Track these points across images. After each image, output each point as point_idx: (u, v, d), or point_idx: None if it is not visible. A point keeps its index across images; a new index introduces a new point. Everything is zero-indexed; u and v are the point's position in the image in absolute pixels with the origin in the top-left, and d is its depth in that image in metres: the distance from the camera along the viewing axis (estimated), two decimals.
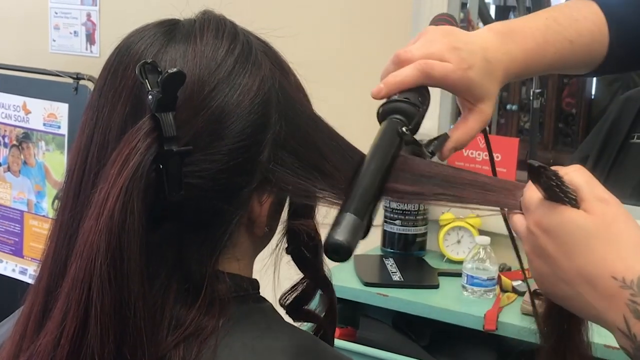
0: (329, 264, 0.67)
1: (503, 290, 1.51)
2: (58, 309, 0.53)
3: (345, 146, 0.62)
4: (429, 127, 1.68)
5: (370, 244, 1.75)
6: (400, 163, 0.61)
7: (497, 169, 0.77)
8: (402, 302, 1.47)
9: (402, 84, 0.66)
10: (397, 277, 1.56)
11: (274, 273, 0.65)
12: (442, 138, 0.68)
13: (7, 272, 2.37)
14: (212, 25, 0.59)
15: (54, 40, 2.35)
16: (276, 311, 0.62)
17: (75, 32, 2.31)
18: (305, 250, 0.64)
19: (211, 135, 0.55)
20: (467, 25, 1.93)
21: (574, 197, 0.53)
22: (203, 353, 0.55)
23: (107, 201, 0.51)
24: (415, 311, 1.46)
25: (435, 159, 0.66)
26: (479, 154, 1.70)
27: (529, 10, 2.62)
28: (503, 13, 2.88)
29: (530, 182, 0.56)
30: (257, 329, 0.58)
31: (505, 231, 0.60)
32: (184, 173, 0.54)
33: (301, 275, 0.67)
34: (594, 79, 2.63)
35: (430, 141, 0.68)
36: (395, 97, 0.66)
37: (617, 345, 0.52)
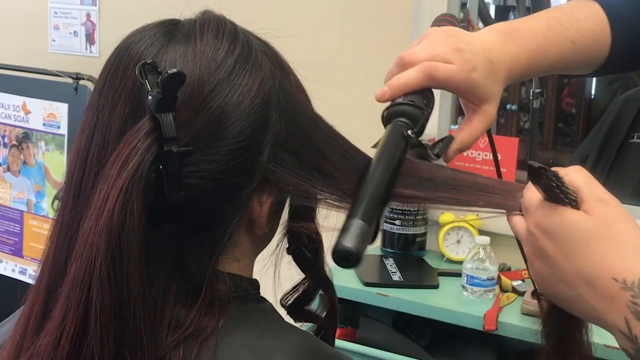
0: (329, 264, 0.67)
1: (503, 290, 1.51)
2: (58, 310, 0.53)
3: (346, 146, 0.62)
4: (429, 127, 1.68)
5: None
6: (406, 167, 0.61)
7: (495, 168, 0.77)
8: (402, 302, 1.47)
9: (406, 87, 0.66)
10: (397, 277, 1.56)
11: (275, 273, 0.65)
12: (447, 140, 0.68)
13: (7, 272, 2.37)
14: (212, 26, 0.59)
15: (54, 40, 2.35)
16: (276, 311, 0.62)
17: (75, 32, 2.31)
18: (306, 250, 0.64)
19: (211, 136, 0.55)
20: (467, 25, 1.93)
21: (574, 198, 0.53)
22: (203, 353, 0.55)
23: (107, 202, 0.51)
24: (415, 311, 1.46)
25: (439, 160, 0.66)
26: (478, 154, 1.70)
27: (528, 10, 2.62)
28: (503, 13, 2.88)
29: (530, 183, 0.56)
30: (257, 329, 0.58)
31: (505, 231, 0.60)
32: (184, 173, 0.54)
33: (302, 276, 0.67)
34: (594, 79, 2.63)
35: (435, 143, 0.67)
36: (400, 99, 0.66)
37: (618, 346, 0.52)
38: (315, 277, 0.67)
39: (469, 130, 0.69)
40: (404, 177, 0.60)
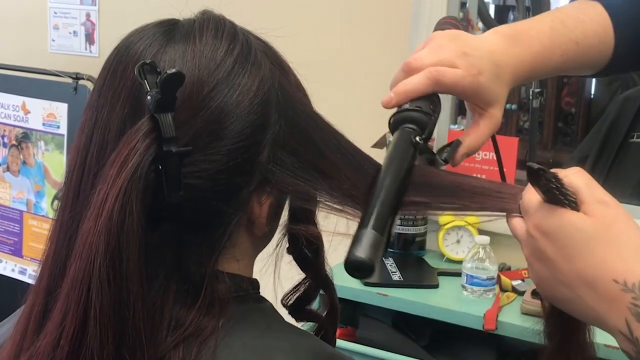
0: (330, 264, 0.67)
1: (502, 289, 1.51)
2: (57, 310, 0.53)
3: (347, 145, 0.62)
4: None
5: None
6: (415, 174, 0.61)
7: (496, 168, 0.77)
8: (401, 301, 1.47)
9: (412, 93, 0.66)
10: (396, 276, 1.56)
11: (274, 272, 0.65)
12: (455, 144, 0.68)
13: (7, 272, 2.37)
14: (212, 25, 0.59)
15: (53, 40, 2.35)
16: (276, 311, 0.62)
17: (74, 32, 2.31)
18: (307, 250, 0.64)
19: (210, 136, 0.55)
20: (466, 24, 1.93)
21: (573, 199, 0.53)
22: (203, 353, 0.54)
23: (106, 202, 0.51)
24: (415, 311, 1.46)
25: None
26: (478, 154, 1.70)
27: (528, 10, 2.62)
28: (502, 12, 2.88)
29: (529, 185, 0.56)
30: (257, 328, 0.58)
31: (505, 231, 0.60)
32: (183, 174, 0.54)
33: (302, 276, 0.67)
34: (593, 78, 2.63)
35: (443, 148, 0.67)
36: (406, 106, 0.66)
37: (618, 346, 0.52)
38: (316, 277, 0.67)
39: (477, 134, 0.69)
40: (413, 185, 0.60)
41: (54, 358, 0.53)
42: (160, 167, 0.53)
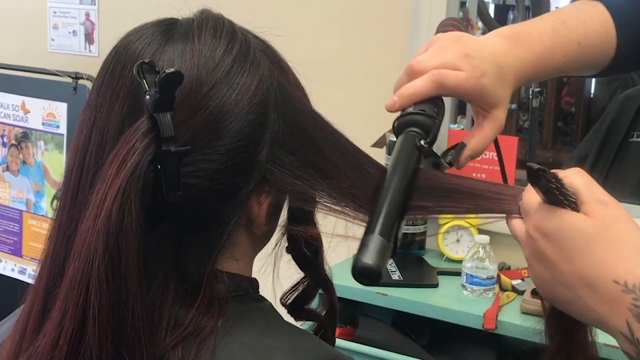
0: (329, 263, 0.67)
1: (502, 289, 1.51)
2: (56, 310, 0.53)
3: (346, 144, 0.62)
4: None
5: None
6: (420, 178, 0.61)
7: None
8: (401, 301, 1.47)
9: (416, 96, 0.66)
10: (396, 276, 1.56)
11: (273, 272, 0.65)
12: (459, 147, 0.68)
13: (6, 272, 2.37)
14: (210, 25, 0.59)
15: (53, 40, 2.35)
16: (276, 310, 0.62)
17: (74, 31, 2.31)
18: (306, 249, 0.64)
19: (209, 135, 0.55)
20: (466, 24, 1.92)
21: (573, 200, 0.53)
22: (202, 353, 0.54)
23: (105, 202, 0.51)
24: (415, 310, 1.46)
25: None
26: None
27: (527, 9, 2.63)
28: (502, 12, 2.88)
29: (529, 186, 0.56)
30: (257, 328, 0.58)
31: (504, 230, 0.60)
32: (182, 173, 0.54)
33: (301, 275, 0.67)
34: (593, 78, 2.63)
35: (447, 151, 0.67)
36: (410, 109, 0.66)
37: (617, 345, 0.52)
38: (315, 276, 0.67)
39: (481, 137, 0.69)
40: (418, 189, 0.60)
41: (52, 358, 0.53)
42: (159, 166, 0.53)
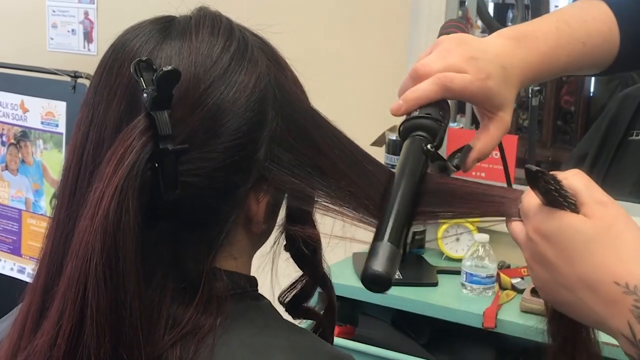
0: (327, 261, 0.67)
1: (502, 287, 1.51)
2: (54, 309, 0.53)
3: (345, 141, 0.62)
4: None
5: (370, 240, 1.74)
6: (428, 183, 0.61)
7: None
8: (401, 300, 1.47)
9: (421, 99, 0.66)
10: (396, 274, 1.55)
11: (272, 270, 0.64)
12: (465, 150, 0.67)
13: (6, 271, 2.37)
14: (208, 22, 0.59)
15: (52, 39, 2.34)
16: (274, 308, 0.62)
17: (72, 30, 2.30)
18: (304, 247, 0.64)
19: (207, 133, 0.55)
20: (465, 23, 1.92)
21: (573, 201, 0.53)
22: (200, 352, 0.54)
23: (102, 200, 0.51)
24: (415, 309, 1.46)
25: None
26: None
27: (527, 8, 2.62)
28: (501, 10, 2.88)
29: (529, 189, 0.55)
30: (255, 326, 0.58)
31: (504, 229, 0.60)
32: (180, 171, 0.54)
33: (300, 273, 0.67)
34: (592, 77, 2.63)
35: (453, 154, 0.67)
36: (416, 113, 0.65)
37: (616, 343, 0.52)
38: (313, 274, 0.66)
39: (487, 139, 0.69)
40: (425, 194, 0.60)
41: (50, 357, 0.52)
42: (156, 165, 0.53)
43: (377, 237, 0.55)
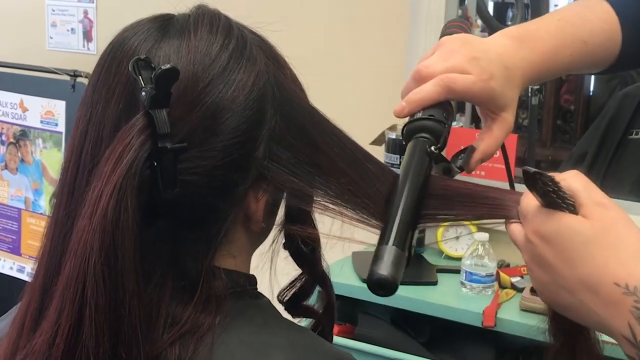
0: (327, 260, 0.66)
1: (502, 286, 1.51)
2: (53, 308, 0.53)
3: (344, 139, 0.61)
4: None
5: (369, 240, 1.74)
6: (432, 186, 0.60)
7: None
8: (400, 298, 1.47)
9: (424, 101, 0.65)
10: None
11: (270, 268, 0.64)
12: (469, 150, 0.67)
13: (5, 270, 2.37)
14: (206, 20, 0.58)
15: (51, 38, 2.34)
16: (274, 307, 0.62)
17: (72, 29, 2.30)
18: (303, 245, 0.64)
19: (206, 132, 0.55)
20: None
21: (571, 202, 0.52)
22: (199, 350, 0.54)
23: (101, 199, 0.51)
24: (414, 308, 1.46)
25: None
26: None
27: (527, 7, 2.62)
28: (501, 9, 2.87)
29: (527, 191, 0.55)
30: (254, 325, 0.58)
31: (503, 227, 0.60)
32: (179, 170, 0.54)
33: (299, 271, 0.67)
34: (592, 76, 2.63)
35: (457, 155, 0.67)
36: (419, 114, 0.65)
37: (614, 341, 0.52)
38: (312, 273, 0.66)
39: (490, 140, 0.68)
40: (429, 197, 0.60)
41: (49, 356, 0.52)
42: (155, 163, 0.53)
43: (382, 241, 0.55)
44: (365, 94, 1.83)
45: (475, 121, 1.92)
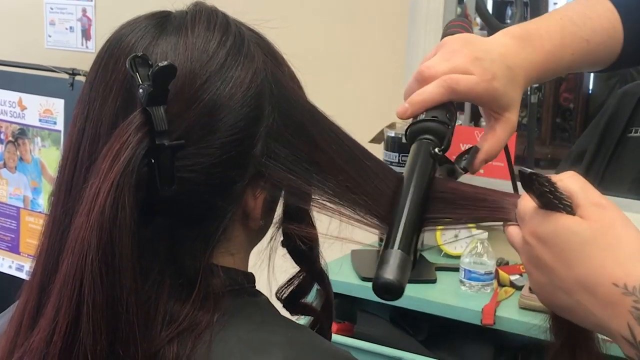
0: (325, 258, 0.66)
1: (501, 284, 1.51)
2: (50, 306, 0.53)
3: (343, 136, 0.61)
4: None
5: (368, 239, 1.74)
6: (435, 189, 0.60)
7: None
8: None
9: (427, 102, 0.65)
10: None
11: (269, 266, 0.64)
12: (473, 151, 0.67)
13: (4, 269, 2.37)
14: (204, 17, 0.58)
15: (50, 36, 2.34)
16: (272, 305, 0.62)
17: (70, 27, 2.30)
18: (301, 243, 0.63)
19: (203, 129, 0.55)
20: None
21: (568, 203, 0.52)
22: (198, 348, 0.54)
23: (98, 196, 0.51)
24: (413, 306, 1.46)
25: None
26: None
27: (526, 5, 2.62)
28: (500, 7, 2.87)
29: (525, 193, 0.55)
30: (253, 322, 0.58)
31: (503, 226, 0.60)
32: (176, 167, 0.54)
33: (297, 269, 0.67)
34: (592, 74, 2.63)
35: (461, 156, 0.67)
36: (422, 116, 0.65)
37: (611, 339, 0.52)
38: (310, 270, 0.66)
39: (494, 140, 0.68)
40: (434, 201, 0.60)
41: (47, 354, 0.52)
42: (152, 160, 0.53)
43: (388, 245, 0.55)
44: (364, 92, 1.83)
45: (475, 119, 1.92)
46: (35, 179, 2.29)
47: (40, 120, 2.25)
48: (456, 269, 1.53)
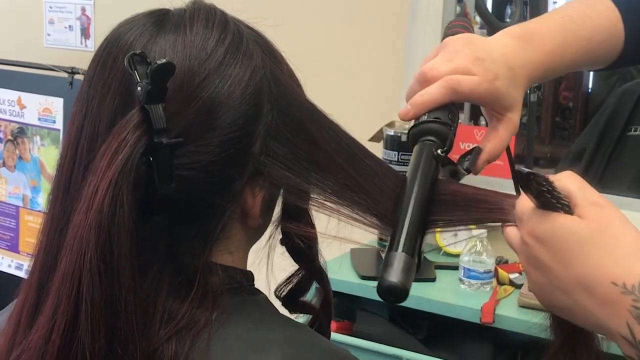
0: (325, 257, 0.66)
1: (500, 282, 1.51)
2: (49, 304, 0.53)
3: (342, 135, 0.61)
4: None
5: (367, 237, 1.74)
6: (439, 191, 0.60)
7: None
8: None
9: (429, 103, 0.65)
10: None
11: (267, 264, 0.64)
12: (475, 152, 0.67)
13: (3, 268, 2.37)
14: (202, 15, 0.58)
15: (49, 35, 2.34)
16: (271, 303, 0.62)
17: (70, 26, 2.30)
18: (300, 241, 0.63)
19: (202, 127, 0.55)
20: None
21: (566, 202, 0.52)
22: (196, 346, 0.54)
23: (97, 194, 0.51)
24: (412, 304, 1.46)
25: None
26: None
27: (525, 4, 2.62)
28: (500, 6, 2.87)
29: (523, 193, 0.55)
30: (251, 321, 0.58)
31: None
32: (175, 165, 0.53)
33: (296, 267, 0.67)
34: (591, 73, 2.63)
35: (463, 156, 0.67)
36: (425, 117, 0.65)
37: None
38: (309, 268, 0.66)
39: (497, 140, 0.68)
40: (436, 203, 0.59)
41: (45, 352, 0.52)
42: (151, 158, 0.53)
43: (392, 247, 0.55)
44: (364, 91, 1.83)
45: (474, 118, 1.92)
46: (34, 178, 2.29)
47: (39, 119, 2.25)
48: (455, 268, 1.53)
